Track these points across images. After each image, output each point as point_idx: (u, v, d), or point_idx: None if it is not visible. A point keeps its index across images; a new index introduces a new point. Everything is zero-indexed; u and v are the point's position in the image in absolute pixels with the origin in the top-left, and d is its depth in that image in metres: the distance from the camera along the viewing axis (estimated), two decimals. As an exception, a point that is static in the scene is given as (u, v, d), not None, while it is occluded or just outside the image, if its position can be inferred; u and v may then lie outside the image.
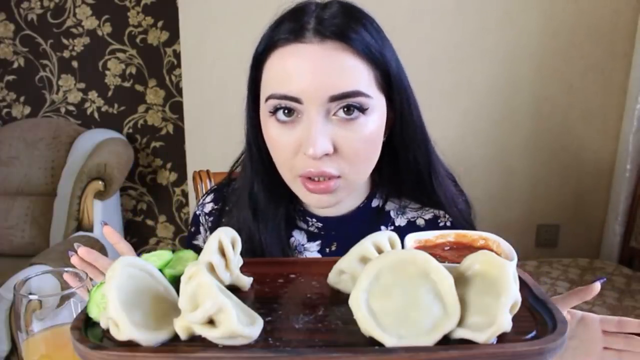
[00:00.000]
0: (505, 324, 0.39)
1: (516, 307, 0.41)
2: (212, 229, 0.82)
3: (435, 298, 0.41)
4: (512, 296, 0.40)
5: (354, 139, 0.65)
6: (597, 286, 0.66)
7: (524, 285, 0.48)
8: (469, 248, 0.54)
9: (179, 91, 2.45)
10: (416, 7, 2.07)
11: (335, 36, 0.63)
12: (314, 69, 0.63)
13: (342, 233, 0.78)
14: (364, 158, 0.68)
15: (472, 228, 0.80)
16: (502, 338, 0.40)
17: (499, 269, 0.42)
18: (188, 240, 0.86)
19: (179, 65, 2.42)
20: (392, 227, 0.79)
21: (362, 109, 0.64)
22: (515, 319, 0.40)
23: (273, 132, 0.67)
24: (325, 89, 0.62)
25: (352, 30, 0.64)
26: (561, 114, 2.17)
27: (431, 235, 0.55)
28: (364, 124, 0.65)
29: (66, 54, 2.52)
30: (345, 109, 0.64)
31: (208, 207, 0.84)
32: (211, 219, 0.83)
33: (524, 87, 2.14)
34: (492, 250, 0.51)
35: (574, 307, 0.68)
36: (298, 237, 0.79)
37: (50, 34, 2.50)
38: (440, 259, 0.50)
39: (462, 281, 0.44)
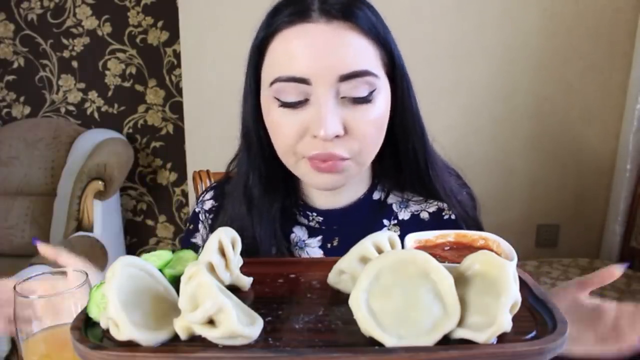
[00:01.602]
0: (505, 324, 0.39)
1: (516, 307, 0.41)
2: (212, 227, 0.81)
3: (435, 298, 0.41)
4: (512, 296, 0.40)
5: (365, 120, 0.65)
6: (617, 271, 0.61)
7: (524, 285, 0.48)
8: (469, 248, 0.54)
9: (179, 91, 2.44)
10: (416, 6, 2.07)
11: (341, 15, 0.63)
12: (322, 48, 0.62)
13: (343, 227, 0.77)
14: (373, 140, 0.68)
15: (476, 221, 0.79)
16: (502, 338, 0.40)
17: (499, 269, 0.42)
18: (186, 237, 0.84)
19: (179, 65, 2.42)
20: (395, 221, 0.78)
21: (371, 90, 0.64)
22: (515, 319, 0.40)
23: (277, 116, 0.66)
24: (335, 68, 0.62)
25: (358, 9, 0.64)
26: (561, 113, 2.17)
27: (431, 235, 0.55)
28: (373, 105, 0.65)
29: (66, 54, 2.51)
30: (355, 90, 0.64)
31: (208, 205, 0.83)
32: (211, 216, 0.82)
33: (524, 87, 2.14)
34: (492, 250, 0.52)
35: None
36: (299, 233, 0.78)
37: (50, 34, 2.50)
38: (440, 259, 0.50)
39: (462, 281, 0.44)
